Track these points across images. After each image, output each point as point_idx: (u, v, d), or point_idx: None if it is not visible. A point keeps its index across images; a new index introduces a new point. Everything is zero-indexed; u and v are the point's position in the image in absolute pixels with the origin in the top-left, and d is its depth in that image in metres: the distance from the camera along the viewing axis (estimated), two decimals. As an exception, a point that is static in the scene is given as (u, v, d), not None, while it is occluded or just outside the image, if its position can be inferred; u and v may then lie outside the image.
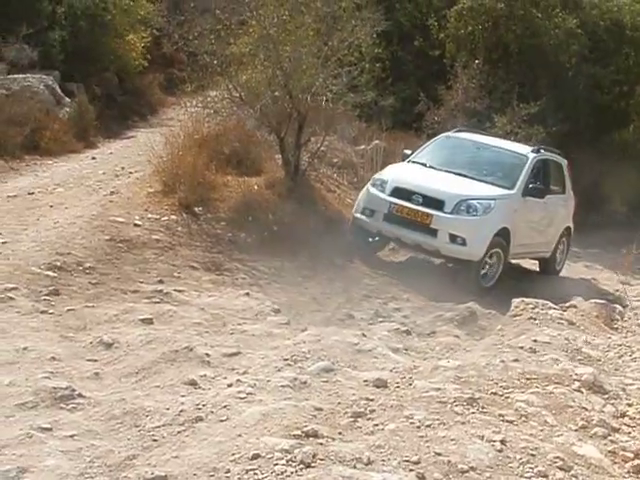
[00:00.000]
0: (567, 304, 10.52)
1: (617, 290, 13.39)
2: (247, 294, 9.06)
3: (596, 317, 10.46)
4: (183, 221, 10.61)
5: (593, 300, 11.34)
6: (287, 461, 4.94)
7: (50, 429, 5.28)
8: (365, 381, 6.58)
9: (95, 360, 6.62)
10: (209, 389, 6.18)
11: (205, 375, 6.43)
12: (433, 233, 11.05)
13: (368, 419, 5.82)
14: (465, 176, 11.93)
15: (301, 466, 4.88)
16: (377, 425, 5.70)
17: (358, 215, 11.76)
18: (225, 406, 5.80)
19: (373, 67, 14.99)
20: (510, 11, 20.44)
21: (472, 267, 11.17)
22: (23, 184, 11.97)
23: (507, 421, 5.92)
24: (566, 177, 14.01)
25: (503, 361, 7.14)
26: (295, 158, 11.97)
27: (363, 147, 15.37)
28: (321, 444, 5.25)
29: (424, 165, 12.23)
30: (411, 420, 5.75)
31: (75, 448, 5.08)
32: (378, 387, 6.46)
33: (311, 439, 5.31)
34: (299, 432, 5.38)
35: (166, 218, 10.48)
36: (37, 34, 16.54)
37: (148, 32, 19.94)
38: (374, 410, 5.97)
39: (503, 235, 11.47)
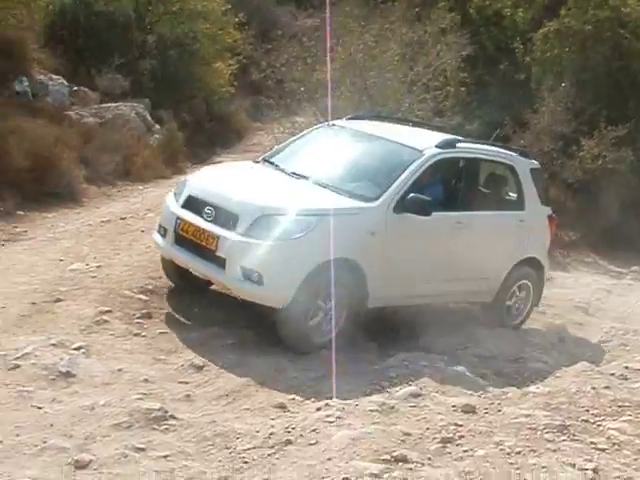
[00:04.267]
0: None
1: None
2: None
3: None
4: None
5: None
6: (375, 486, 4.97)
7: (144, 449, 5.40)
8: (453, 407, 6.56)
9: (186, 382, 6.74)
10: (298, 413, 6.23)
11: (294, 399, 6.49)
12: (221, 264, 7.58)
13: (457, 445, 5.81)
14: (315, 183, 8.28)
15: (385, 492, 4.91)
16: (466, 451, 5.69)
17: (154, 236, 8.55)
18: (314, 430, 5.85)
19: (458, 91, 14.95)
20: (597, 33, 20.18)
21: (287, 315, 7.53)
22: (115, 209, 12.27)
23: (599, 449, 5.84)
24: (525, 186, 9.67)
25: (594, 388, 7.04)
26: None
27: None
28: (410, 469, 5.28)
29: (271, 165, 8.86)
30: (501, 447, 5.74)
31: (168, 469, 5.19)
32: (466, 413, 6.44)
33: (400, 464, 5.35)
34: (388, 457, 5.42)
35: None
36: (129, 63, 17.02)
37: (235, 60, 20.28)
38: (463, 436, 5.96)
39: (346, 269, 7.69)
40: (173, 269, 8.55)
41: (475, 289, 9.20)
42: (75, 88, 16.23)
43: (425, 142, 8.79)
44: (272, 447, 5.59)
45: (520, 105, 19.25)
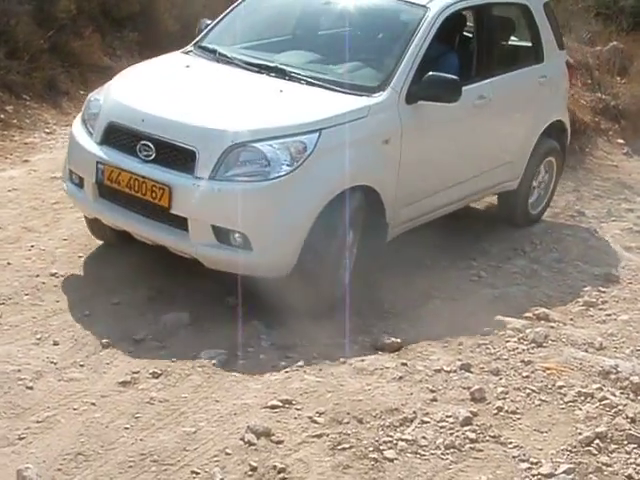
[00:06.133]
0: None
1: None
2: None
3: None
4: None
5: None
6: (519, 339, 5.05)
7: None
8: (596, 275, 6.57)
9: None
10: (441, 271, 6.30)
11: (436, 258, 6.53)
12: (181, 225, 5.02)
13: (600, 309, 5.85)
14: (284, 74, 5.67)
15: (533, 345, 4.98)
16: (609, 315, 5.73)
17: (65, 185, 5.70)
18: (456, 287, 5.96)
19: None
20: None
21: (296, 285, 5.06)
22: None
23: None
24: (542, 29, 7.36)
25: None
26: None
27: (599, 48, 14.71)
28: (552, 327, 5.33)
29: (212, 53, 6.09)
30: (645, 312, 5.73)
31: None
32: (609, 281, 6.44)
33: (542, 322, 5.41)
34: (530, 315, 5.50)
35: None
36: None
37: None
38: (606, 301, 5.99)
39: (361, 200, 5.35)
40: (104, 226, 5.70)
41: (501, 179, 7.03)
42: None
43: None
44: (416, 300, 5.72)
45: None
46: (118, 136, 5.23)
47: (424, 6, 5.99)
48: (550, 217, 7.92)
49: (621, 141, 11.79)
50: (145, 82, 5.81)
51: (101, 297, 5.22)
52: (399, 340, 4.97)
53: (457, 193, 6.50)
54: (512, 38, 7.41)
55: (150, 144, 5.04)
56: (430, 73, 5.58)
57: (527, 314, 5.49)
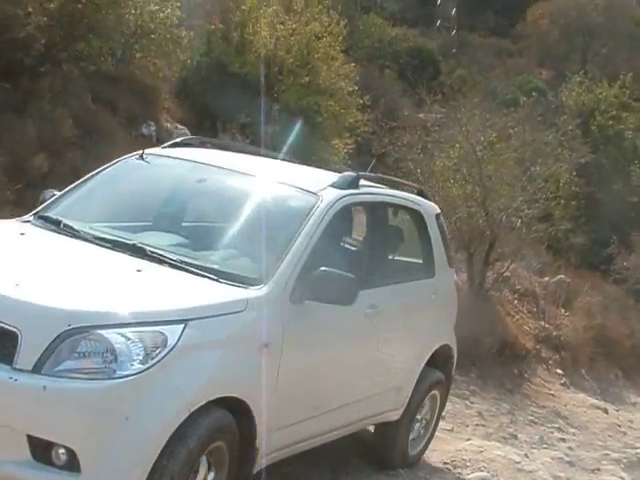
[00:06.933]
0: None
1: None
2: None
3: None
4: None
5: None
6: None
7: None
8: (524, 500, 6.53)
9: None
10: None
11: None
12: None
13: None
14: (143, 253, 4.64)
15: None
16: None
17: None
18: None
19: (569, 203, 15.04)
20: None
21: None
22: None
23: None
24: (434, 241, 6.56)
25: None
26: (481, 275, 12.08)
27: (547, 279, 15.24)
28: None
29: (56, 224, 5.02)
30: None
31: None
32: (536, 508, 6.40)
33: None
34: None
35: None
36: (252, 125, 17.61)
37: (353, 139, 20.70)
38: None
39: (226, 418, 4.25)
40: None
41: (385, 407, 6.07)
42: (197, 140, 16.87)
43: (314, 180, 5.46)
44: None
45: (629, 227, 19.23)
46: None
47: (316, 194, 5.15)
48: (483, 437, 7.92)
49: (560, 371, 12.02)
50: None
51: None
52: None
53: (340, 418, 5.49)
54: (404, 248, 6.53)
55: None
56: (322, 268, 4.71)
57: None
